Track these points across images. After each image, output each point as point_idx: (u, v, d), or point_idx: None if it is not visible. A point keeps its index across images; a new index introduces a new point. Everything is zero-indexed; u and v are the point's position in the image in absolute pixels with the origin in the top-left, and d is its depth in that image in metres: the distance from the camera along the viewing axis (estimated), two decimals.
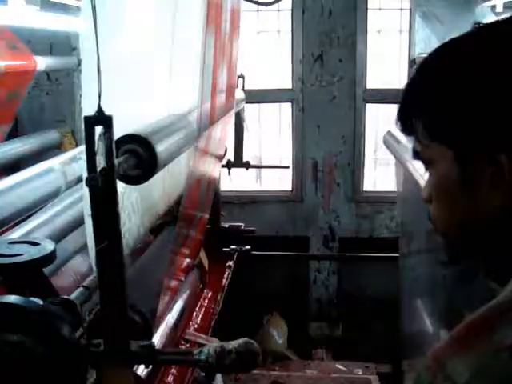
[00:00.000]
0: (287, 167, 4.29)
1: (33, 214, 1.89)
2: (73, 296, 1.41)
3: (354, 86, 4.42)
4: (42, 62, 2.92)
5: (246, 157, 4.03)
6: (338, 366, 3.95)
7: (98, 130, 1.22)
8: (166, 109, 1.89)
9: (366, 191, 4.69)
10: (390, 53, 4.48)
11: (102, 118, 1.19)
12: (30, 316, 1.11)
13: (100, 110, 1.19)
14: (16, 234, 1.74)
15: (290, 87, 4.57)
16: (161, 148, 1.44)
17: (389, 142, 3.07)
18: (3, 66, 2.54)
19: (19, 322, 1.10)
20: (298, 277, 4.78)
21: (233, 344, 1.31)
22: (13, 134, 3.22)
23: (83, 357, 1.20)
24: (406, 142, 2.80)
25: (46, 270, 1.71)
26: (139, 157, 1.40)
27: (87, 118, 1.18)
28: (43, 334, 1.11)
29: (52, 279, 1.88)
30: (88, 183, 1.17)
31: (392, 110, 4.50)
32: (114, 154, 1.20)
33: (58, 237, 1.94)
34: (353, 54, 4.38)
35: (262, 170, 4.95)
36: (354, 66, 4.40)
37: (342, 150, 4.56)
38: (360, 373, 3.83)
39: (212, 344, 1.33)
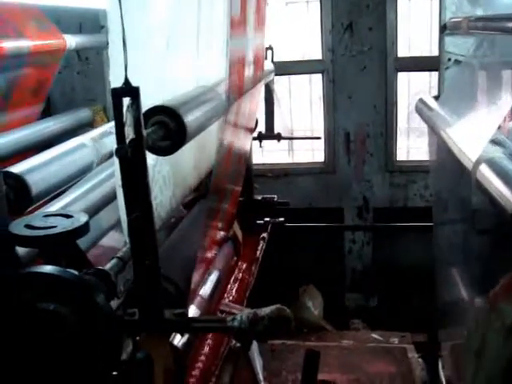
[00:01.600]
0: (318, 138, 4.27)
1: (67, 189, 1.92)
2: (107, 267, 1.44)
3: (385, 54, 4.35)
4: (72, 41, 2.94)
5: (278, 129, 4.02)
6: (373, 335, 3.96)
7: (127, 102, 1.23)
8: (195, 80, 1.89)
9: (399, 161, 4.64)
10: (420, 19, 4.39)
11: (129, 90, 1.20)
12: (64, 285, 1.14)
13: (127, 82, 1.20)
14: (51, 208, 1.77)
15: (320, 58, 4.52)
16: (189, 119, 1.45)
17: (421, 109, 3.02)
18: (32, 46, 2.57)
19: (54, 291, 1.13)
20: (332, 248, 4.77)
21: (265, 310, 1.32)
22: (46, 115, 3.27)
23: (118, 326, 1.23)
24: (439, 109, 2.76)
25: (82, 244, 1.76)
26: (168, 128, 1.41)
27: (114, 90, 1.19)
28: (78, 304, 1.14)
29: (88, 253, 1.92)
30: (117, 154, 1.18)
31: (424, 77, 4.44)
32: (142, 124, 1.21)
33: (93, 211, 1.98)
34: (383, 22, 4.30)
35: (294, 142, 4.94)
36: (384, 35, 4.33)
37: (374, 120, 4.51)
38: (396, 342, 3.83)
39: (245, 311, 1.34)
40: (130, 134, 1.21)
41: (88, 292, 1.15)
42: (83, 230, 1.32)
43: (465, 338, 2.02)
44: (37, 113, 3.02)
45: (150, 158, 1.67)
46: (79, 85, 4.44)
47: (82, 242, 1.79)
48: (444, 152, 2.51)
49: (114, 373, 1.23)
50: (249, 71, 2.36)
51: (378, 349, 3.71)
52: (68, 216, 1.35)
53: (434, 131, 2.74)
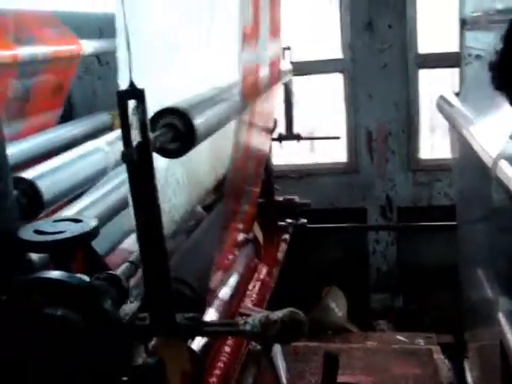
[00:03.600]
0: (338, 138, 4.23)
1: (83, 192, 1.92)
2: (119, 271, 1.43)
3: (406, 51, 4.30)
4: (89, 46, 2.95)
5: (299, 129, 4.00)
6: (398, 337, 3.91)
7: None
8: (208, 81, 1.87)
9: (422, 159, 4.57)
10: (441, 15, 4.31)
11: (134, 92, 1.18)
12: (71, 291, 1.13)
13: (132, 84, 1.19)
14: (67, 212, 1.77)
15: (340, 57, 4.48)
16: (198, 120, 1.43)
17: (442, 106, 2.97)
18: (48, 51, 2.59)
19: (61, 296, 1.12)
20: (356, 249, 4.73)
21: (278, 314, 1.30)
22: (68, 120, 3.28)
23: (127, 331, 1.22)
24: (460, 106, 2.71)
25: (101, 249, 1.75)
26: (177, 130, 1.40)
27: (120, 93, 1.18)
28: (85, 309, 1.13)
29: (107, 258, 1.92)
30: (123, 158, 1.17)
31: (446, 73, 4.36)
32: (148, 127, 1.19)
33: (109, 215, 1.98)
34: (403, 19, 4.25)
35: (316, 142, 4.91)
36: (404, 31, 4.28)
37: (395, 118, 4.45)
38: (422, 343, 3.77)
39: (257, 314, 1.32)
40: (136, 137, 1.20)
41: (95, 297, 1.14)
42: (92, 234, 1.31)
43: None
44: (55, 118, 3.03)
45: (163, 162, 1.67)
46: (100, 89, 4.47)
47: (102, 246, 1.79)
48: (465, 149, 2.46)
49: (124, 378, 1.22)
50: (264, 71, 2.34)
51: (403, 350, 3.66)
52: (77, 221, 1.35)
53: (454, 128, 2.69)
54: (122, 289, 1.34)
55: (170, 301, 1.30)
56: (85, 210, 1.82)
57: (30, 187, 1.51)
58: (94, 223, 1.32)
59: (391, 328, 4.32)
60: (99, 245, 1.69)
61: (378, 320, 4.45)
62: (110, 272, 1.35)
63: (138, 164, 1.19)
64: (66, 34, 2.81)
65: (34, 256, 1.44)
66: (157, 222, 1.24)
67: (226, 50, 1.95)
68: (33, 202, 1.53)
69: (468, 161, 2.54)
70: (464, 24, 2.90)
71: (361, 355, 3.62)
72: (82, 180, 1.79)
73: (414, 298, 4.53)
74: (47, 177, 1.58)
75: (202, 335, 1.67)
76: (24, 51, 2.55)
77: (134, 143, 1.18)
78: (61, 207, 1.82)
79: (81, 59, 3.11)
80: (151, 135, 1.25)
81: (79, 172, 1.76)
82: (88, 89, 4.46)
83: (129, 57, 1.20)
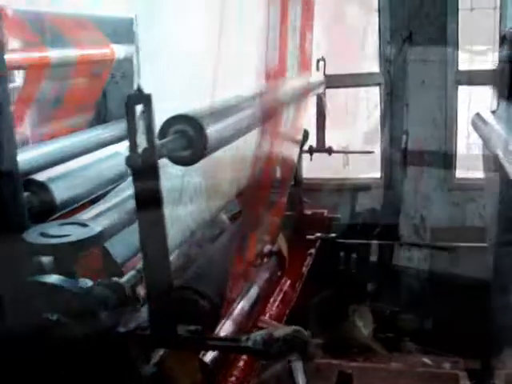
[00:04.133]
0: (371, 152, 4.15)
1: (104, 195, 1.91)
2: (124, 279, 1.41)
3: (445, 67, 4.20)
4: (121, 51, 2.96)
5: (334, 143, 3.95)
6: (424, 359, 3.80)
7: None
8: (229, 90, 1.85)
9: (458, 178, 4.45)
10: (481, 32, 4.22)
11: (141, 97, 1.17)
12: (66, 296, 1.11)
13: (139, 89, 1.17)
14: (83, 216, 1.76)
15: (377, 70, 4.40)
16: (212, 129, 1.40)
17: (477, 124, 2.89)
18: (80, 55, 2.60)
19: (56, 301, 1.11)
20: (386, 266, 4.62)
21: (280, 332, 1.26)
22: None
23: (124, 340, 1.19)
24: (494, 124, 2.63)
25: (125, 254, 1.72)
26: (189, 137, 1.37)
27: (128, 97, 1.17)
28: (79, 315, 1.11)
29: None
30: (127, 163, 1.15)
31: (485, 91, 4.27)
32: (155, 133, 1.17)
33: (127, 220, 1.96)
34: (443, 34, 4.16)
35: (350, 156, 4.84)
36: (444, 47, 4.18)
37: (432, 135, 4.35)
38: (448, 368, 3.66)
39: (261, 331, 1.28)
40: (143, 142, 1.18)
41: (89, 303, 1.12)
42: (97, 239, 1.29)
43: None
44: (86, 122, 3.05)
45: (178, 169, 1.64)
46: None
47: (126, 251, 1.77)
48: (497, 168, 2.38)
49: None
50: (291, 81, 2.31)
51: (428, 374, 3.55)
52: (84, 225, 1.33)
53: (488, 147, 2.61)
54: (124, 296, 1.32)
55: (172, 312, 1.27)
56: (102, 215, 1.81)
57: (42, 189, 1.50)
58: (98, 228, 1.30)
59: (418, 349, 4.20)
60: (121, 249, 1.69)
61: (406, 341, 4.33)
62: (114, 279, 1.33)
63: (142, 169, 1.16)
64: (99, 38, 2.82)
65: (45, 259, 1.43)
66: (160, 230, 1.22)
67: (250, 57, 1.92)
68: (45, 204, 1.52)
69: (498, 180, 2.46)
70: (504, 40, 2.82)
71: (384, 376, 3.53)
72: (98, 184, 1.78)
73: (445, 320, 4.40)
74: (61, 179, 1.57)
75: (203, 349, 1.64)
76: (55, 54, 2.57)
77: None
78: (80, 210, 1.81)
79: (116, 64, 3.12)
80: (159, 141, 1.22)
81: (96, 175, 1.75)
82: (125, 93, 4.48)
83: (137, 60, 1.18)
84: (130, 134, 1.15)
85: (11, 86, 2.66)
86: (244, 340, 1.28)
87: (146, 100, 1.15)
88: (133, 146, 1.15)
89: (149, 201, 1.18)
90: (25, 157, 1.93)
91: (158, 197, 1.19)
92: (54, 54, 2.58)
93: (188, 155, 1.38)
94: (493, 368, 3.00)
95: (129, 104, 1.14)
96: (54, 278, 1.14)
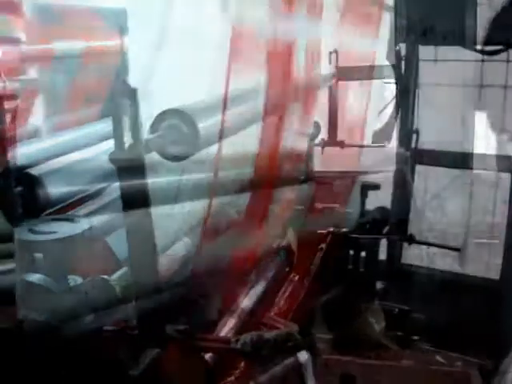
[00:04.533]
0: (384, 146, 4.09)
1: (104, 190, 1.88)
2: (114, 276, 1.38)
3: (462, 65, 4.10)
4: None
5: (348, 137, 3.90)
6: (436, 357, 3.73)
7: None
8: (230, 84, 1.81)
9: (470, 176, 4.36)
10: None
11: (126, 91, 1.13)
12: (51, 296, 1.08)
13: (125, 83, 1.14)
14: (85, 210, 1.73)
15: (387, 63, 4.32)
16: (204, 124, 1.36)
17: None
18: (87, 47, 2.58)
19: (40, 301, 1.08)
20: (397, 262, 4.56)
21: (272, 334, 1.23)
22: None
23: (110, 339, 1.17)
24: None
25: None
26: (181, 132, 1.34)
27: (112, 92, 1.14)
28: (63, 315, 1.08)
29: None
30: (111, 160, 1.12)
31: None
32: (140, 128, 1.14)
33: None
34: (459, 32, 4.05)
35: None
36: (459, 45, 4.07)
37: (444, 133, 4.26)
38: (460, 366, 3.59)
39: (251, 333, 1.25)
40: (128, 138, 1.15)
41: (72, 302, 1.09)
42: (83, 236, 1.27)
43: None
44: (94, 115, 3.02)
45: (174, 164, 1.61)
46: None
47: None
48: None
49: None
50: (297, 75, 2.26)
51: (439, 372, 3.48)
52: (73, 221, 1.31)
53: None
54: (113, 294, 1.29)
55: (160, 312, 1.24)
56: (101, 210, 1.79)
57: (35, 183, 1.48)
58: (86, 225, 1.27)
59: (431, 348, 4.13)
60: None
61: (419, 338, 4.26)
62: (103, 276, 1.31)
63: (127, 166, 1.13)
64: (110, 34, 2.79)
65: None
66: (147, 228, 1.19)
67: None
68: (37, 199, 1.50)
69: None
70: None
71: (394, 374, 3.47)
72: (95, 178, 1.75)
73: (457, 318, 4.33)
74: (54, 174, 1.55)
75: (191, 350, 1.61)
76: (63, 46, 2.55)
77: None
78: (78, 204, 1.78)
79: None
80: (148, 137, 1.19)
81: (92, 170, 1.72)
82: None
83: (125, 55, 1.15)
84: (116, 130, 1.12)
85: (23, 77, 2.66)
86: (233, 341, 1.25)
87: (131, 94, 1.12)
88: (119, 142, 1.12)
89: (134, 198, 1.15)
90: (26, 151, 1.90)
91: (144, 194, 1.16)
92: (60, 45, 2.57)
93: (179, 150, 1.34)
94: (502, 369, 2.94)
95: (114, 98, 1.11)
96: (36, 277, 1.11)
